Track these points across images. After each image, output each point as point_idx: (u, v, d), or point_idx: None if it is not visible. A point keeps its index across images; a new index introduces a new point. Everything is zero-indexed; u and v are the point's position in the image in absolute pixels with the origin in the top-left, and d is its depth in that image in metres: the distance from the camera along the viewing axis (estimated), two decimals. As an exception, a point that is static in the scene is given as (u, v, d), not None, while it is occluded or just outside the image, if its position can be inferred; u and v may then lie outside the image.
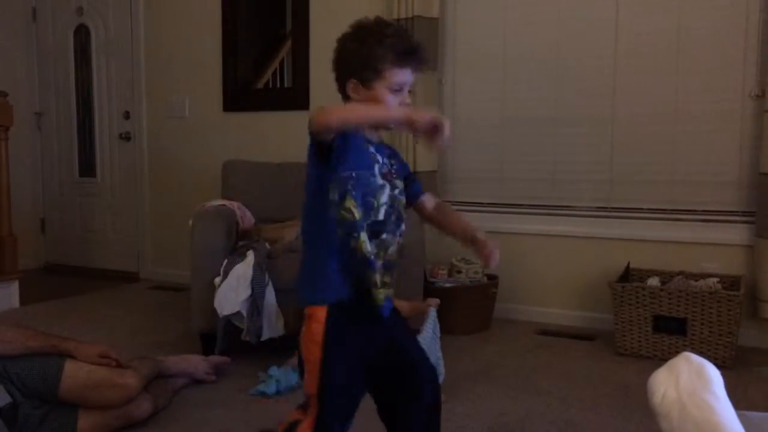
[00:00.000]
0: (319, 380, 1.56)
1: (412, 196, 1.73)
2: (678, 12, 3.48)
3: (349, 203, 1.55)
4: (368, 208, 1.58)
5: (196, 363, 2.81)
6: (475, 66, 3.99)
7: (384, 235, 1.60)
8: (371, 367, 1.63)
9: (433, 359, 2.76)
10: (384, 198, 1.61)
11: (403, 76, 1.60)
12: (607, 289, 3.29)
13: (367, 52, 1.58)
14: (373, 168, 1.61)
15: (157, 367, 2.58)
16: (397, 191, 1.65)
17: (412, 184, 1.74)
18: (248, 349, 2.98)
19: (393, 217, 1.63)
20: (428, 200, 1.77)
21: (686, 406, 1.06)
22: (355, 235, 1.56)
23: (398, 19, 3.85)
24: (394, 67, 1.58)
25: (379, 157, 1.64)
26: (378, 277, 1.59)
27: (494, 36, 3.92)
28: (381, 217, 1.60)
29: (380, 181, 1.61)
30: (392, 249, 1.63)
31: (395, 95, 1.60)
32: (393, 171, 1.67)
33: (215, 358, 2.91)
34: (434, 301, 2.91)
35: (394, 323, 1.69)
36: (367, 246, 1.57)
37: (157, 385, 2.53)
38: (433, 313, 2.81)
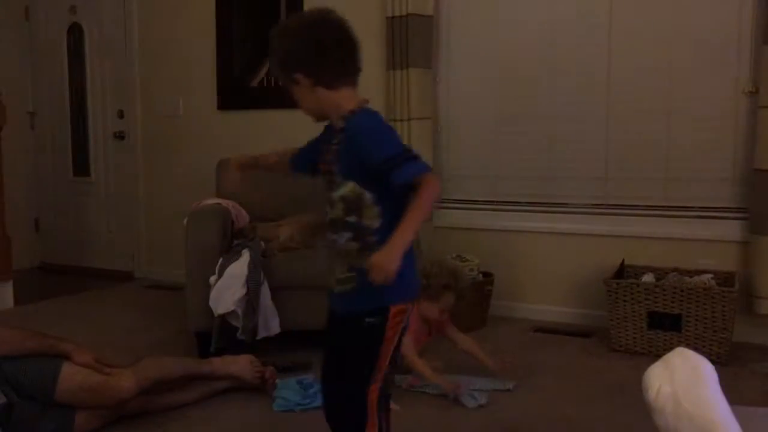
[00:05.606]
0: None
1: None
2: (672, 9, 3.48)
3: None
4: None
5: (243, 365, 2.71)
6: (470, 63, 3.99)
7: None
8: None
9: None
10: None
11: None
12: (602, 285, 3.29)
13: None
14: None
15: (172, 370, 2.53)
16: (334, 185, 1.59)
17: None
18: (244, 347, 2.97)
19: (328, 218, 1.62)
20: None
21: (681, 401, 1.07)
22: None
23: (393, 17, 3.84)
24: None
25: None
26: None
27: (489, 33, 3.92)
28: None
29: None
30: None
31: None
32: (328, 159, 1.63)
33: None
34: None
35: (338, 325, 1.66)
36: None
37: (163, 382, 2.51)
38: None
